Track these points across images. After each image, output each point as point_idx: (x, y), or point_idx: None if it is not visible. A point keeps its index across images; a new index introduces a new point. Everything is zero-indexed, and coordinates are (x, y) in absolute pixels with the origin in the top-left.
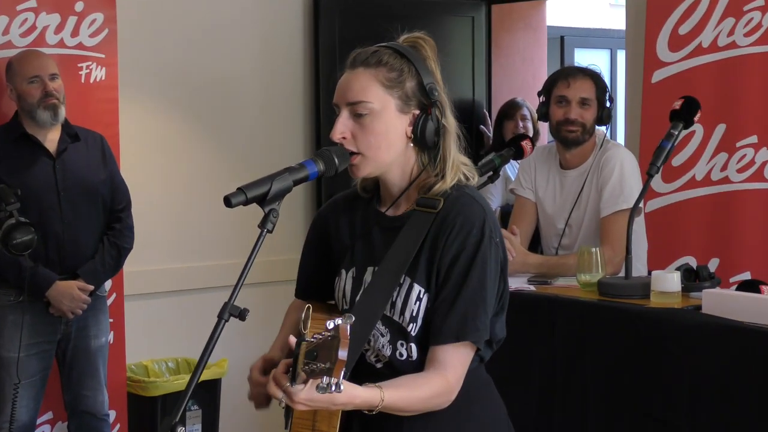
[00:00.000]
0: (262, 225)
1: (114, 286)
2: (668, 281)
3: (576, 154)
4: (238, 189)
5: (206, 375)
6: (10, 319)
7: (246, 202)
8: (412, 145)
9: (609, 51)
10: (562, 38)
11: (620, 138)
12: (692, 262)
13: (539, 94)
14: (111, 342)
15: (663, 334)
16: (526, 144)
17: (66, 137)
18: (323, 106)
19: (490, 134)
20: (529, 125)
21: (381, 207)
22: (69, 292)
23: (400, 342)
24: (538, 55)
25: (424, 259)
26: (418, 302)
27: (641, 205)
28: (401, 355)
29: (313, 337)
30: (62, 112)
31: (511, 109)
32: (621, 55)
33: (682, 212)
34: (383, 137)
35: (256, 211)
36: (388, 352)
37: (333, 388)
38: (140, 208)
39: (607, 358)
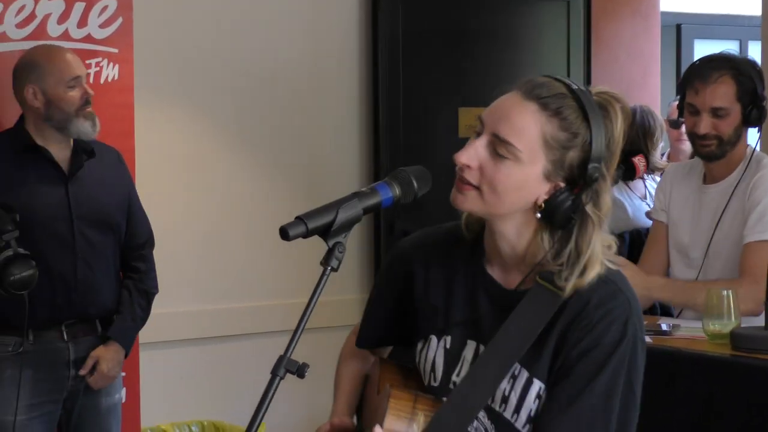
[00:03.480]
0: (326, 262)
1: None
2: None
3: (721, 164)
4: (297, 218)
5: None
6: (8, 374)
7: (306, 234)
8: (539, 215)
9: (738, 42)
10: (678, 27)
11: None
12: None
13: (677, 93)
14: (123, 401)
15: None
16: (638, 161)
17: (80, 153)
18: (383, 110)
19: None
20: None
21: (489, 266)
22: (117, 358)
23: None
24: (649, 48)
25: (549, 351)
26: (537, 400)
27: None
28: None
29: None
30: (98, 123)
31: None
32: (754, 47)
33: None
34: (513, 191)
35: (301, 241)
36: None
37: None
38: (159, 238)
39: (740, 427)
